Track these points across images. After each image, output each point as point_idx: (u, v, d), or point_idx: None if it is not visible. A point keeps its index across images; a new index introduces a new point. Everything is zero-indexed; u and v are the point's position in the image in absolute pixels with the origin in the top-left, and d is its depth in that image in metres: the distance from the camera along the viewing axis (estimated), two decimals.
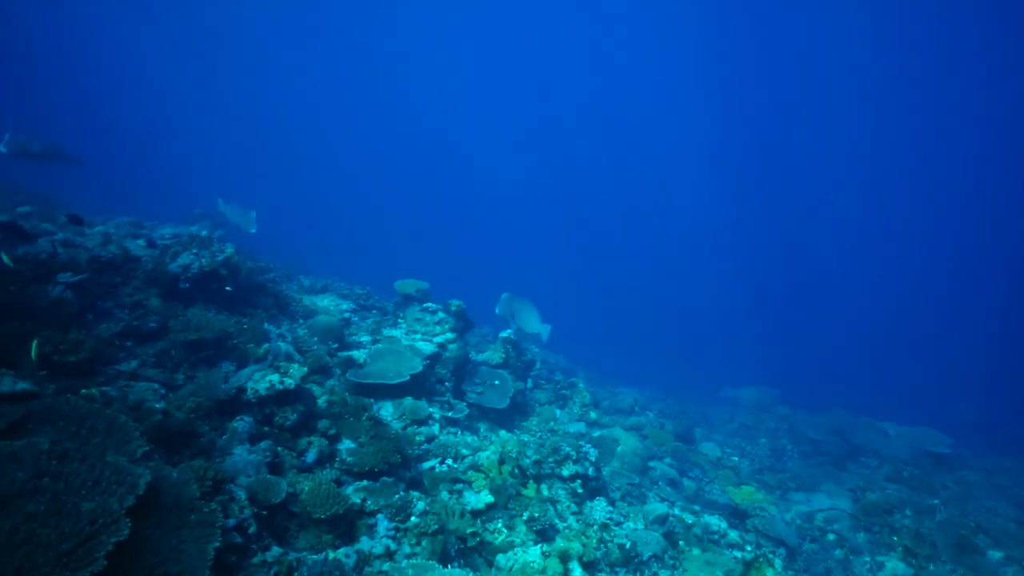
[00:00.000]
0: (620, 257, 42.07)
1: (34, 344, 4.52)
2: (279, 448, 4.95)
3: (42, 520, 2.97)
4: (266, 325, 7.57)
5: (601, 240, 44.07)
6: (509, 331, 9.44)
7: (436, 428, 6.89)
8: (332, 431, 5.50)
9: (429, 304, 9.08)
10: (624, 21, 35.15)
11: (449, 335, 8.55)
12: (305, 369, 5.47)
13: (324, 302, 9.59)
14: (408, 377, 7.04)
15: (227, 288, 7.72)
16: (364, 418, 5.74)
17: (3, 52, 35.98)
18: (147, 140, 35.28)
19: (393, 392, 7.05)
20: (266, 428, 5.14)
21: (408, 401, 6.94)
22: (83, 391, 4.10)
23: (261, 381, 5.19)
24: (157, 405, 4.29)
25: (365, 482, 5.15)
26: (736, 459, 11.06)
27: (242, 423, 4.86)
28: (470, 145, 49.13)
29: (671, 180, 46.32)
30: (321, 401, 5.97)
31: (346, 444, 5.55)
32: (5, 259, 6.12)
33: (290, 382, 5.23)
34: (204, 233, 7.70)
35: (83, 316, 6.25)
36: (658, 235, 45.41)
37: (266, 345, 7.05)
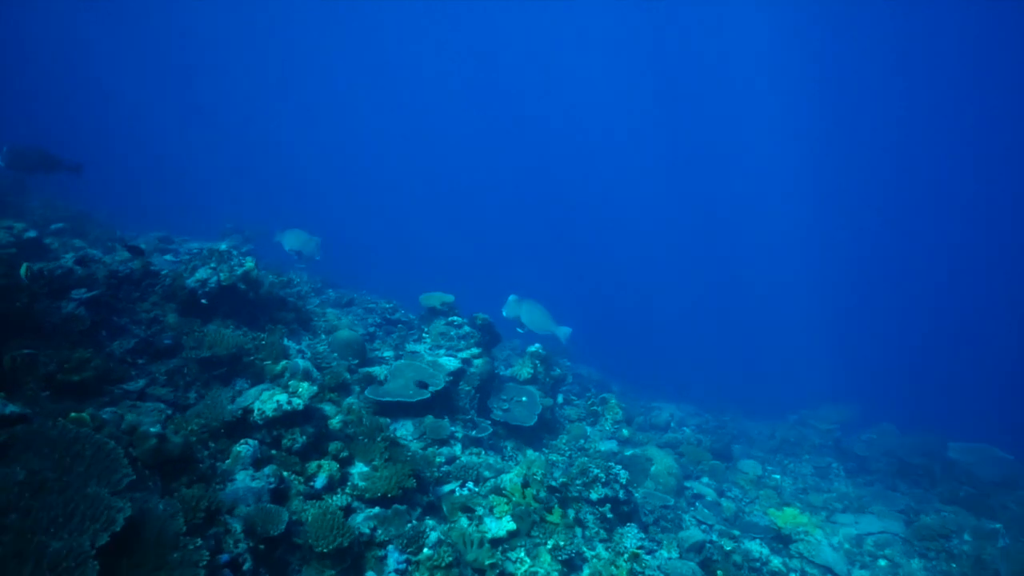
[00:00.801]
0: (658, 267, 41.12)
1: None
2: (285, 473, 4.62)
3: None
4: (286, 341, 7.31)
5: (638, 249, 43.19)
6: (538, 345, 9.04)
7: (458, 448, 6.52)
8: (344, 454, 5.16)
9: (454, 318, 8.74)
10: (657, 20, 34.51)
11: (474, 350, 8.18)
12: (315, 388, 5.15)
13: (349, 316, 9.32)
14: (429, 394, 6.69)
15: (250, 295, 7.50)
16: (379, 439, 5.39)
17: (30, 66, 37.00)
18: (184, 156, 35.82)
19: (414, 410, 6.71)
20: (273, 451, 4.83)
21: (429, 420, 6.58)
22: (73, 414, 3.82)
23: (268, 402, 4.88)
24: (152, 429, 4.00)
25: (377, 509, 4.79)
26: (778, 477, 10.43)
27: (246, 447, 4.55)
28: (494, 151, 48.67)
29: (713, 183, 45.01)
30: (335, 421, 5.64)
31: (359, 468, 5.20)
32: (22, 273, 5.98)
33: (298, 402, 4.91)
34: (224, 247, 7.50)
35: (96, 333, 6.05)
36: (696, 243, 44.28)
37: (284, 362, 6.78)
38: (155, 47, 38.81)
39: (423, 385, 6.82)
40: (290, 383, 5.29)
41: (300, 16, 36.34)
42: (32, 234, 8.48)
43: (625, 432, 8.98)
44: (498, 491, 5.88)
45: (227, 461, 4.46)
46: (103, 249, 10.15)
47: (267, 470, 4.42)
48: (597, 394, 10.58)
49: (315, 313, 8.66)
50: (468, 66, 42.69)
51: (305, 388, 5.11)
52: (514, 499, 5.76)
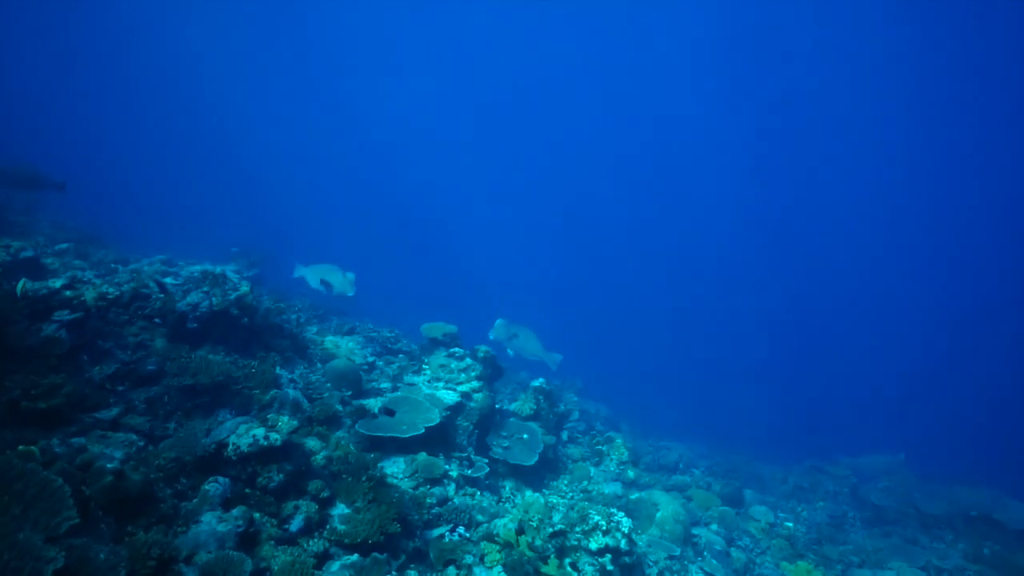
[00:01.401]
0: (671, 303, 40.41)
1: None
2: (256, 515, 4.23)
3: None
4: (278, 369, 6.96)
5: (651, 284, 42.56)
6: (541, 380, 8.63)
7: (452, 488, 6.09)
8: (326, 493, 4.77)
9: (456, 349, 8.37)
10: (630, 30, 34.43)
11: (475, 383, 7.79)
12: (295, 423, 4.77)
13: (349, 344, 8.97)
14: (423, 430, 6.29)
15: (244, 321, 7.19)
16: (363, 479, 4.99)
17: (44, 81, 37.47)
18: (198, 179, 35.95)
19: (408, 446, 6.30)
20: (247, 490, 4.44)
21: (422, 457, 6.17)
22: (21, 447, 3.47)
23: (244, 436, 4.51)
24: (109, 465, 3.64)
25: (355, 556, 4.37)
26: (791, 525, 9.84)
27: (215, 485, 4.17)
28: (493, 175, 48.51)
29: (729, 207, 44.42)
30: (320, 457, 5.26)
31: (340, 509, 4.80)
32: (18, 290, 5.75)
33: (276, 437, 4.53)
34: (218, 271, 7.21)
35: (77, 357, 5.73)
36: (713, 276, 43.60)
37: (274, 391, 6.42)
38: (162, 64, 39.30)
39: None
40: (269, 416, 4.91)
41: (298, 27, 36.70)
42: (29, 253, 8.25)
43: (631, 474, 8.49)
44: (491, 538, 5.44)
45: (194, 501, 4.07)
46: (105, 271, 9.96)
47: (236, 511, 4.04)
48: (603, 432, 10.13)
49: (312, 341, 8.32)
50: (462, 84, 42.94)
51: (285, 422, 4.73)
52: (507, 547, 5.31)
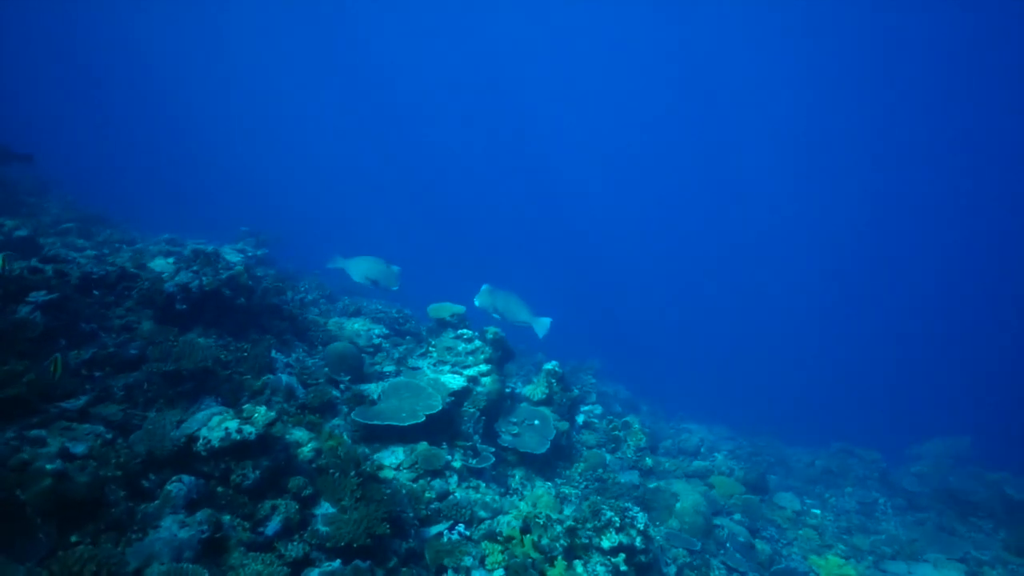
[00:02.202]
0: (690, 283, 39.40)
1: None
2: (226, 517, 3.76)
3: None
4: (274, 353, 6.49)
5: (669, 264, 41.52)
6: (555, 363, 8.09)
7: (454, 481, 5.59)
8: (308, 491, 4.28)
9: (464, 331, 7.84)
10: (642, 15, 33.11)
11: (483, 367, 7.26)
12: (272, 414, 4.25)
13: (355, 325, 8.50)
14: (423, 418, 5.78)
15: (239, 301, 6.73)
16: (352, 474, 4.50)
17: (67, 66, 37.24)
18: (216, 160, 35.63)
19: (409, 435, 5.81)
20: (220, 488, 3.97)
21: (422, 447, 5.67)
22: None
23: (216, 429, 4.02)
24: (49, 466, 3.17)
25: (337, 563, 3.89)
26: (818, 512, 9.25)
27: (179, 485, 3.70)
28: (509, 162, 47.37)
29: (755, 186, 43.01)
30: (307, 450, 4.78)
31: (325, 508, 4.31)
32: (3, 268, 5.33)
33: (251, 431, 4.04)
34: (210, 249, 6.74)
35: (54, 341, 5.29)
36: (733, 257, 42.43)
37: (267, 377, 5.97)
38: (192, 48, 38.91)
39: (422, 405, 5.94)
40: (245, 407, 4.41)
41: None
42: (23, 232, 7.88)
43: (649, 461, 7.93)
44: (493, 536, 4.94)
45: (155, 504, 3.61)
46: (110, 250, 9.58)
47: (200, 515, 3.56)
48: (620, 415, 9.58)
49: (315, 323, 7.85)
50: (471, 67, 41.89)
51: (262, 413, 4.22)
52: (510, 547, 4.81)
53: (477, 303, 7.25)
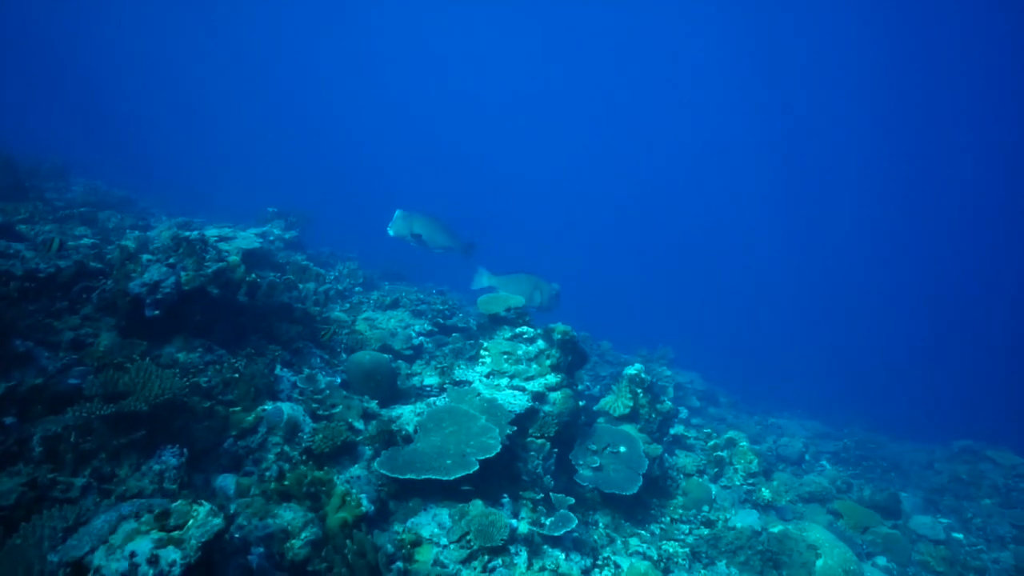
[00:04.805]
0: (749, 263, 36.24)
1: None
2: None
3: None
4: (280, 369, 4.70)
5: (718, 245, 38.41)
6: (639, 366, 6.10)
7: (522, 561, 3.70)
8: None
9: (524, 329, 5.92)
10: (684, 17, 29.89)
11: (550, 378, 5.34)
12: (218, 522, 2.42)
13: (390, 322, 6.68)
14: (476, 466, 3.90)
15: (240, 300, 4.98)
16: None
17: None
18: (241, 141, 34.24)
19: (455, 490, 3.94)
20: None
21: (475, 510, 3.80)
22: None
23: (116, 557, 2.20)
24: None
25: None
26: (960, 537, 7.11)
27: None
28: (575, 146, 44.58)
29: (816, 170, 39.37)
30: (299, 543, 2.94)
31: None
32: None
33: (175, 559, 2.20)
34: (195, 235, 4.95)
35: None
36: (787, 235, 39.19)
37: (264, 407, 4.18)
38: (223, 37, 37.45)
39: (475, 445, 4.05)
40: (173, 507, 2.56)
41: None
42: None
43: (766, 493, 5.90)
44: None
45: None
46: (116, 237, 7.98)
47: None
48: (719, 425, 7.57)
49: (339, 322, 6.04)
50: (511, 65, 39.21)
51: (200, 518, 2.37)
52: None
53: (392, 232, 5.82)
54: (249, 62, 39.76)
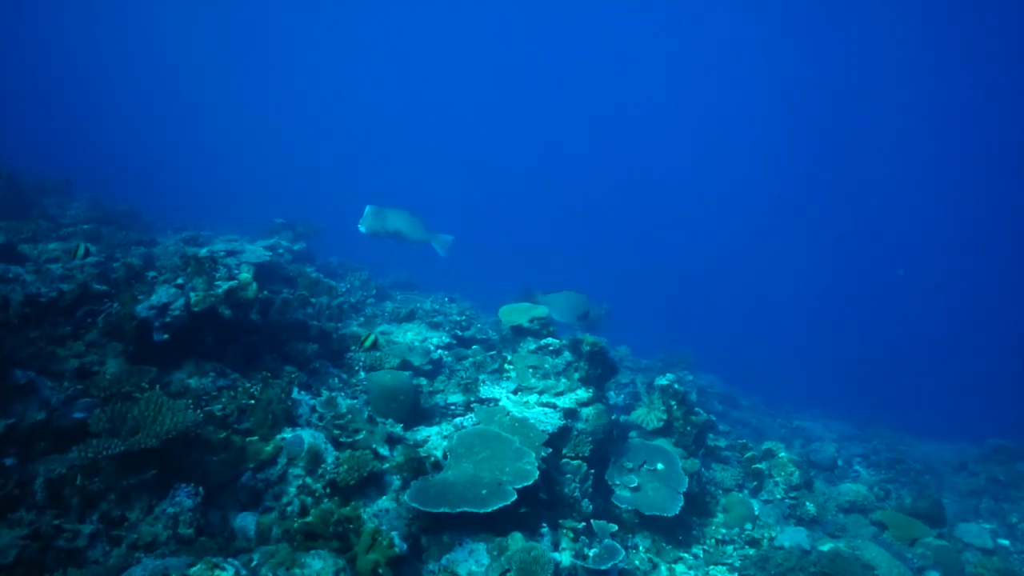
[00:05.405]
0: (754, 263, 35.59)
1: None
2: None
3: None
4: (297, 392, 4.39)
5: (735, 241, 37.73)
6: (671, 376, 5.79)
7: None
8: None
9: (550, 340, 5.61)
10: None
11: (581, 392, 5.03)
12: None
13: (407, 335, 6.37)
14: (514, 495, 3.58)
15: (252, 320, 4.67)
16: None
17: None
18: (247, 153, 33.89)
19: (492, 522, 3.62)
20: None
21: (515, 545, 3.48)
22: None
23: None
24: None
25: None
26: (1007, 544, 6.78)
27: None
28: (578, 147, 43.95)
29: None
30: None
31: None
32: None
33: None
34: (204, 252, 4.66)
35: None
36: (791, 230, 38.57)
37: (282, 435, 3.89)
38: (232, 43, 37.10)
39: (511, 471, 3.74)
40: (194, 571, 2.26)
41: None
42: None
43: (811, 507, 5.56)
44: None
45: None
46: (122, 252, 7.70)
47: None
48: (741, 429, 7.23)
49: (356, 338, 5.73)
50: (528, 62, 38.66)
51: None
52: None
53: (363, 228, 5.58)
54: (249, 72, 39.50)
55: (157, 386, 3.85)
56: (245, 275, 4.64)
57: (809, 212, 38.65)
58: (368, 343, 4.86)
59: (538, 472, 3.80)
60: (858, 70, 30.16)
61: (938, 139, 32.70)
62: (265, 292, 4.92)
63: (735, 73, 34.28)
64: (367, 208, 5.62)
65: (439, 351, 6.14)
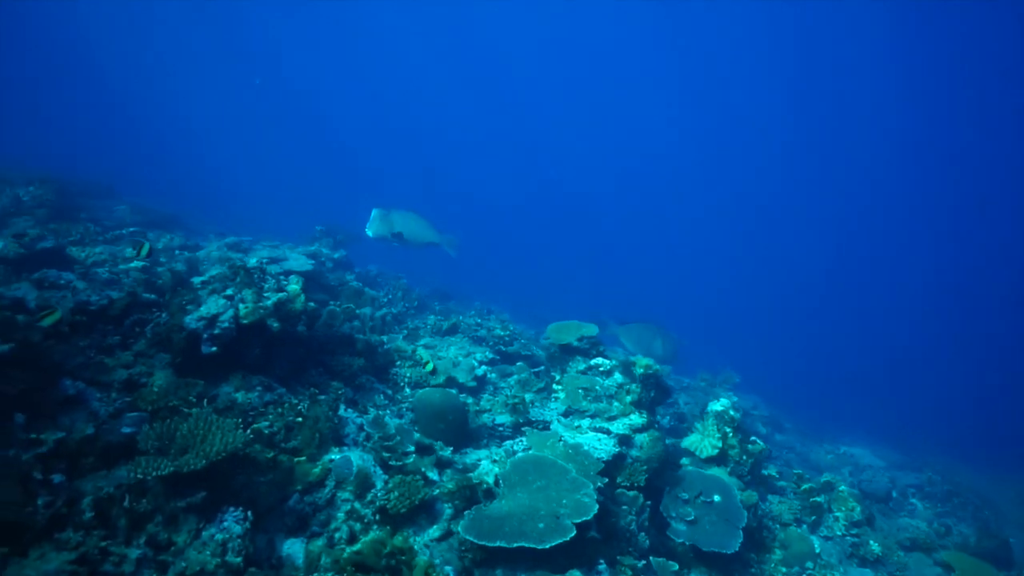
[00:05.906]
0: (784, 277, 34.54)
1: None
2: None
3: None
4: (343, 410, 4.24)
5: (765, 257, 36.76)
6: (725, 401, 5.52)
7: None
8: None
9: (600, 361, 5.39)
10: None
11: (635, 418, 4.79)
12: None
13: (451, 350, 6.21)
14: (573, 531, 3.37)
15: (299, 332, 4.54)
16: None
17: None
18: (301, 162, 34.13)
19: (549, 559, 3.41)
20: None
21: None
22: None
23: None
24: None
25: None
26: None
27: None
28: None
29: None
30: None
31: None
32: None
33: None
34: (252, 263, 4.55)
35: (6, 417, 3.20)
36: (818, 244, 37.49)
37: (331, 456, 3.73)
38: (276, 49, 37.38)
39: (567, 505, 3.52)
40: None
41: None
42: (48, 244, 5.97)
43: (875, 547, 5.23)
44: None
45: None
46: (166, 257, 7.70)
47: None
48: (787, 454, 6.90)
49: (400, 352, 5.58)
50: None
51: None
52: None
53: (371, 232, 5.43)
54: (286, 81, 39.90)
55: (204, 401, 3.74)
56: (294, 286, 4.51)
57: (838, 224, 37.68)
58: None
59: (597, 506, 3.58)
60: (858, 71, 29.39)
61: (948, 141, 31.69)
62: (312, 304, 4.79)
63: (737, 74, 33.65)
64: (373, 211, 5.51)
65: (483, 367, 5.96)
